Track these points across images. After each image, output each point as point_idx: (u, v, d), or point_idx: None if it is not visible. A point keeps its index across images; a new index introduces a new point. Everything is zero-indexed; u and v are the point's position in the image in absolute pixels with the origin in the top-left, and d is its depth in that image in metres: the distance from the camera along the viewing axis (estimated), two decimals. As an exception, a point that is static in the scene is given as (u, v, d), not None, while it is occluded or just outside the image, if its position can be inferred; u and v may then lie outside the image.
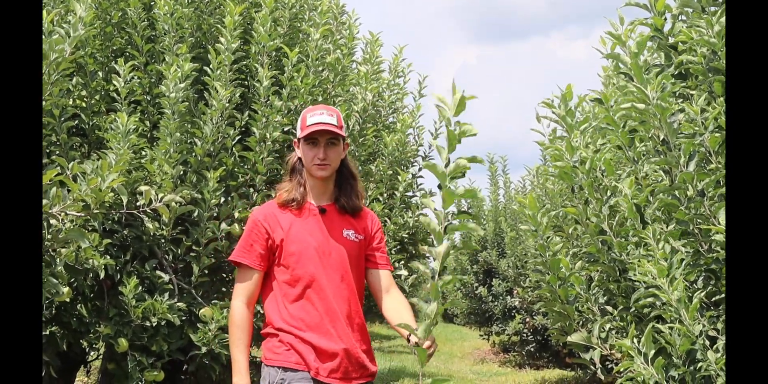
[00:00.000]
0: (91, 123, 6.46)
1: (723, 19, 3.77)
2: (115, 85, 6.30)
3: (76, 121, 6.41)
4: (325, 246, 3.99)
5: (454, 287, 17.48)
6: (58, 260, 4.84)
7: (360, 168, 7.95)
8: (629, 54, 4.11)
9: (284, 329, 3.93)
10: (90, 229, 5.76)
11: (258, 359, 6.88)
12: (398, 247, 8.07)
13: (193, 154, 6.25)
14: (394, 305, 4.07)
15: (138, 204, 5.81)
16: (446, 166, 2.43)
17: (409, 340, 3.63)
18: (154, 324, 5.86)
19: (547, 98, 4.97)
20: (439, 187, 2.45)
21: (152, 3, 6.93)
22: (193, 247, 6.21)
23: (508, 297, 15.73)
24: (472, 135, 2.41)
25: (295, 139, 4.09)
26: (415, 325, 3.69)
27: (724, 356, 3.51)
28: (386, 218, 7.95)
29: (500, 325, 16.15)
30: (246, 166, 6.51)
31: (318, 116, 3.99)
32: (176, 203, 5.87)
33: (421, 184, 8.73)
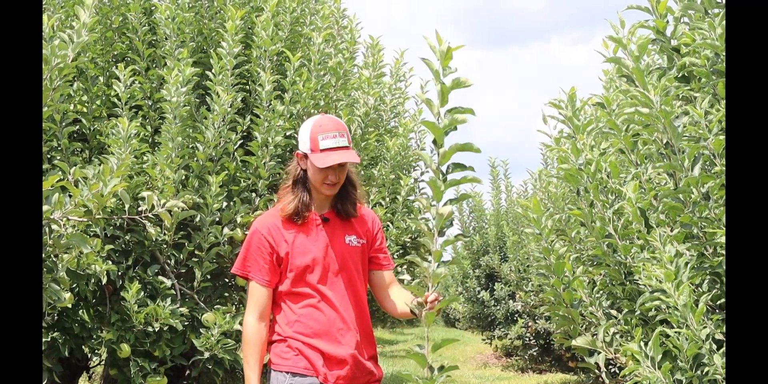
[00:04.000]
0: (92, 128, 6.45)
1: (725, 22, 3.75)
2: (116, 90, 6.30)
3: (78, 127, 6.41)
4: (329, 255, 3.99)
5: (456, 292, 17.47)
6: (60, 266, 4.82)
7: (362, 172, 7.95)
8: (631, 57, 4.09)
9: (292, 336, 3.92)
10: (92, 234, 5.75)
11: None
12: (401, 251, 8.05)
13: (195, 158, 6.23)
14: (392, 294, 4.12)
15: (140, 209, 5.80)
16: (438, 119, 2.40)
17: (414, 313, 3.54)
18: (156, 329, 5.86)
19: (553, 99, 4.96)
20: (434, 142, 2.43)
21: (153, 8, 6.92)
22: (196, 252, 6.19)
23: (511, 301, 15.71)
24: (466, 86, 2.38)
25: (299, 152, 4.05)
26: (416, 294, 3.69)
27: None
28: (389, 223, 7.94)
29: (503, 330, 16.13)
30: (248, 171, 6.50)
31: (331, 139, 3.93)
32: (178, 208, 5.85)
33: (423, 189, 8.72)
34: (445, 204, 2.54)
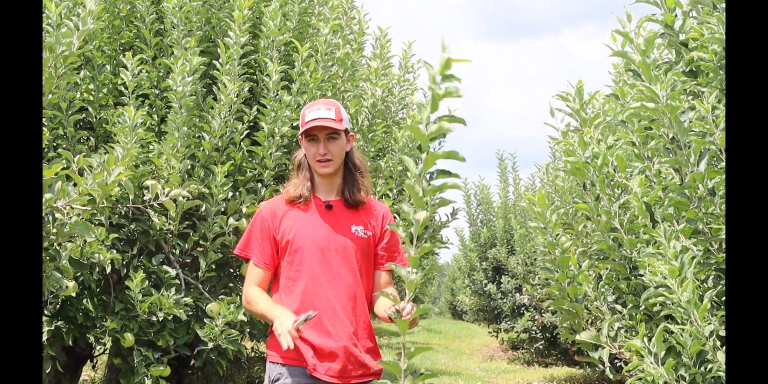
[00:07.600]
0: (98, 116, 6.45)
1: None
2: (122, 79, 6.29)
3: (84, 115, 6.41)
4: (329, 242, 3.97)
5: (463, 284, 17.47)
6: (63, 254, 4.81)
7: (369, 163, 7.93)
8: (638, 51, 4.06)
9: None
10: (96, 223, 5.75)
11: (264, 354, 6.87)
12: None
13: (201, 148, 6.22)
14: (378, 295, 4.03)
15: (145, 198, 5.79)
16: (426, 125, 2.38)
17: (391, 319, 3.52)
18: (160, 319, 5.85)
19: (561, 91, 4.94)
20: (419, 148, 2.41)
21: (161, -4, 6.91)
22: (201, 242, 6.19)
23: (517, 294, 15.73)
24: (456, 96, 2.35)
25: (299, 137, 4.07)
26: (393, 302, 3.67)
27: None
28: (395, 214, 7.93)
29: (509, 323, 16.15)
30: (254, 161, 6.48)
31: (315, 111, 3.99)
32: (183, 198, 5.85)
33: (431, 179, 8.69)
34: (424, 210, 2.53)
